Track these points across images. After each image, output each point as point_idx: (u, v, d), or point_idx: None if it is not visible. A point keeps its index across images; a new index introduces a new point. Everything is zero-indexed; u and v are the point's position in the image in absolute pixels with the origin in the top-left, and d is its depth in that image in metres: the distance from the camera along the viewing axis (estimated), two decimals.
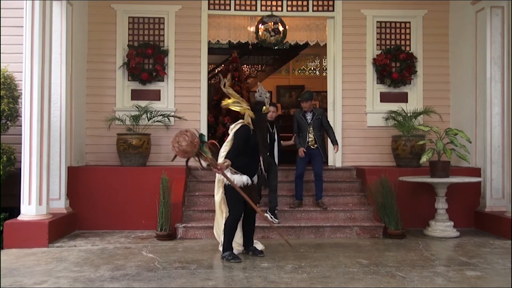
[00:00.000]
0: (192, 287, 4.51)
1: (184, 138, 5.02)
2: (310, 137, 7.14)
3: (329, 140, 7.42)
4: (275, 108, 7.23)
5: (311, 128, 7.14)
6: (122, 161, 7.64)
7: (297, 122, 7.22)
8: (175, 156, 5.17)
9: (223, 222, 5.52)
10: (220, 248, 5.55)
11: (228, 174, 5.30)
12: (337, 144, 7.27)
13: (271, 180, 6.57)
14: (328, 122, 7.36)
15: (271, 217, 6.67)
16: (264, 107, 5.63)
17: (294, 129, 7.26)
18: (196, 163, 5.31)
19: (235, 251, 5.49)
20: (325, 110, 8.73)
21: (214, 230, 5.86)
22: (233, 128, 5.59)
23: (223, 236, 5.48)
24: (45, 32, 6.31)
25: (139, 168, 7.53)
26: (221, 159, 5.46)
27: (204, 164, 5.23)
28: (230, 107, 5.56)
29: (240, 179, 5.33)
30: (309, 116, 7.20)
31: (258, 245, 5.76)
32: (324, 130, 7.26)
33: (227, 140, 5.59)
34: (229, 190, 5.36)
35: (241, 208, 5.41)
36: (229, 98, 5.53)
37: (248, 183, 5.36)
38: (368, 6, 8.40)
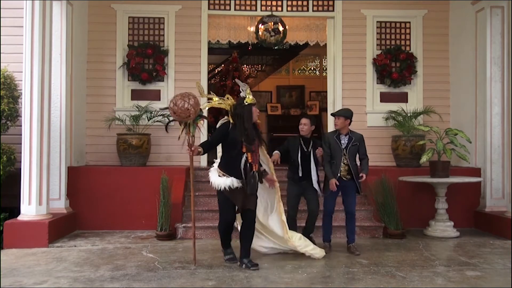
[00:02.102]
0: (192, 287, 4.51)
1: (187, 101, 5.05)
2: (344, 166, 5.77)
3: None
4: (308, 121, 6.03)
5: (346, 156, 5.76)
6: (122, 161, 7.64)
7: (329, 145, 5.82)
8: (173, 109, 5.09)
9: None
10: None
11: (215, 176, 5.12)
12: (366, 173, 5.85)
13: (311, 206, 5.93)
14: (366, 150, 5.95)
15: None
16: (246, 99, 5.21)
17: (326, 153, 5.87)
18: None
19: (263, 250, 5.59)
20: (325, 110, 8.73)
21: None
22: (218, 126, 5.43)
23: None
24: (45, 32, 6.31)
25: (139, 168, 7.53)
26: (216, 162, 5.36)
27: (183, 135, 5.14)
28: (215, 106, 5.45)
29: (224, 182, 5.00)
30: (344, 140, 5.81)
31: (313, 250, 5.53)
32: (359, 159, 5.93)
33: None
34: (218, 192, 5.15)
35: (229, 213, 5.13)
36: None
37: (236, 186, 4.98)
38: (368, 6, 8.40)
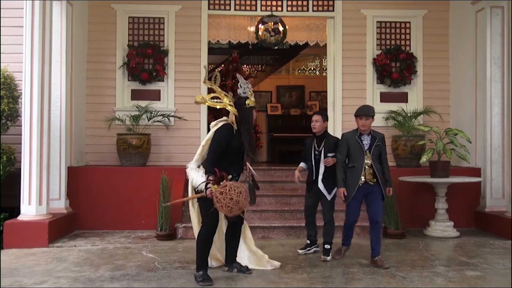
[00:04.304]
0: (192, 287, 4.51)
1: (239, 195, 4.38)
2: (367, 168, 5.11)
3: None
4: (320, 117, 5.60)
5: (369, 158, 5.12)
6: (122, 161, 7.64)
7: (347, 147, 5.23)
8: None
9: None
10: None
11: (200, 177, 4.63)
12: (391, 186, 5.30)
13: (323, 211, 5.58)
14: (386, 152, 5.34)
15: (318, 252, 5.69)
16: (247, 100, 4.77)
17: (339, 156, 5.30)
18: None
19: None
20: (326, 109, 8.71)
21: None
22: (214, 126, 4.85)
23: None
24: (45, 32, 6.31)
25: (139, 168, 7.53)
26: (195, 162, 4.79)
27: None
28: (207, 104, 4.90)
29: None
30: (367, 141, 5.18)
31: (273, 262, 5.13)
32: (379, 161, 5.28)
33: (206, 138, 4.83)
34: (202, 198, 4.58)
35: (216, 219, 4.67)
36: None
37: None
38: (368, 6, 8.40)
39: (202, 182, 4.52)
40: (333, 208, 5.59)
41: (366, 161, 5.11)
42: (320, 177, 5.52)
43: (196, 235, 4.88)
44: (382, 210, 5.25)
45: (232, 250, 5.01)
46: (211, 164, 4.55)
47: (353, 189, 5.12)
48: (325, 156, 5.48)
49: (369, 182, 5.12)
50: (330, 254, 5.48)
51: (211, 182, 4.43)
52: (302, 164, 5.81)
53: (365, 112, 5.20)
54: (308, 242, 5.81)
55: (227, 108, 4.84)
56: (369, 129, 5.22)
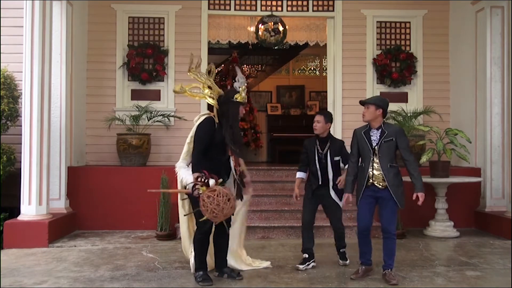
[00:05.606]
0: (192, 287, 4.51)
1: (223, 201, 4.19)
2: (376, 168, 4.55)
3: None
4: (322, 117, 5.14)
5: (377, 156, 4.56)
6: (122, 161, 7.64)
7: (357, 144, 4.69)
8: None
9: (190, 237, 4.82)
10: (191, 264, 4.84)
11: (189, 175, 4.49)
12: (422, 191, 4.60)
13: (333, 222, 5.23)
14: (408, 147, 4.68)
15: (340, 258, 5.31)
16: (236, 95, 4.55)
17: (350, 157, 4.85)
18: None
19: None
20: (326, 109, 8.69)
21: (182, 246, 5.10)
22: (197, 120, 4.69)
23: (193, 253, 4.72)
24: (45, 32, 6.31)
25: (139, 168, 7.53)
26: (183, 161, 4.69)
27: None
28: (186, 94, 4.68)
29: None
30: (375, 136, 4.58)
31: (263, 263, 5.15)
32: (403, 160, 4.65)
33: (190, 135, 4.68)
34: (195, 200, 4.39)
35: (208, 221, 4.45)
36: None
37: None
38: (368, 6, 8.40)
39: (191, 183, 4.38)
40: (341, 213, 5.24)
41: (373, 160, 4.55)
42: (330, 184, 5.09)
43: (182, 233, 4.94)
44: (394, 219, 4.67)
45: (221, 255, 4.78)
46: (197, 162, 4.43)
47: (360, 191, 4.64)
48: (331, 160, 5.07)
49: (378, 185, 4.56)
50: (347, 257, 5.26)
51: (199, 184, 4.29)
52: (301, 175, 5.33)
53: (364, 100, 4.73)
54: (307, 256, 5.17)
55: (206, 100, 4.69)
56: (378, 122, 4.61)
